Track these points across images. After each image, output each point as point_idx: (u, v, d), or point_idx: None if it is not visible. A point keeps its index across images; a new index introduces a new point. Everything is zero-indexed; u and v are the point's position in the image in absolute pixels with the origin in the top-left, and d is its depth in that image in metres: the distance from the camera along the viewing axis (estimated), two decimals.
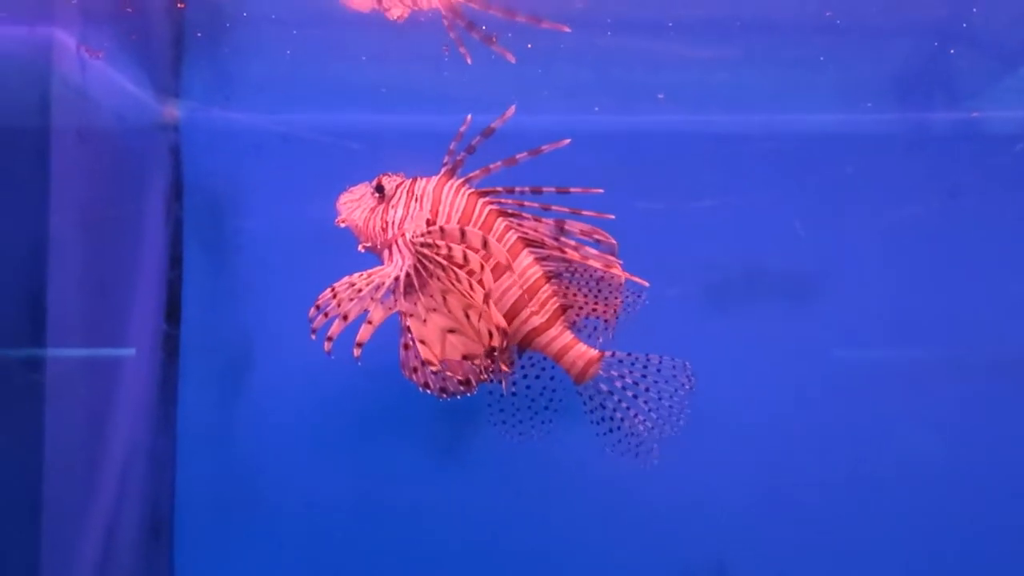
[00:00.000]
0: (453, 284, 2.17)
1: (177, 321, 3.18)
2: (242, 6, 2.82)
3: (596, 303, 2.32)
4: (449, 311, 2.20)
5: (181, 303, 3.18)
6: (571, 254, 2.26)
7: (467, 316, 2.18)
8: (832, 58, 2.98)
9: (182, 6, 2.90)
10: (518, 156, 2.19)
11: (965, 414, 3.09)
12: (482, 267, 2.14)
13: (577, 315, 2.34)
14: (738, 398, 3.05)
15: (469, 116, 2.22)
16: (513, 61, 2.36)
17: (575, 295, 2.32)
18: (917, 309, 3.12)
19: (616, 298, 2.32)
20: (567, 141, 2.18)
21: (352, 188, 2.36)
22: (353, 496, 3.13)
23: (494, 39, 2.36)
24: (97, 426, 2.92)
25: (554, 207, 2.26)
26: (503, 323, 2.19)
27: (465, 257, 2.15)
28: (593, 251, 2.27)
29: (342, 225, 2.35)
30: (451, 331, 2.21)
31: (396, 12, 2.45)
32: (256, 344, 3.15)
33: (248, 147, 3.15)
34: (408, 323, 2.24)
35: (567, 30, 2.35)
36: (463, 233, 2.17)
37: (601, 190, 2.22)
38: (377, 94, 3.08)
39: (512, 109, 2.16)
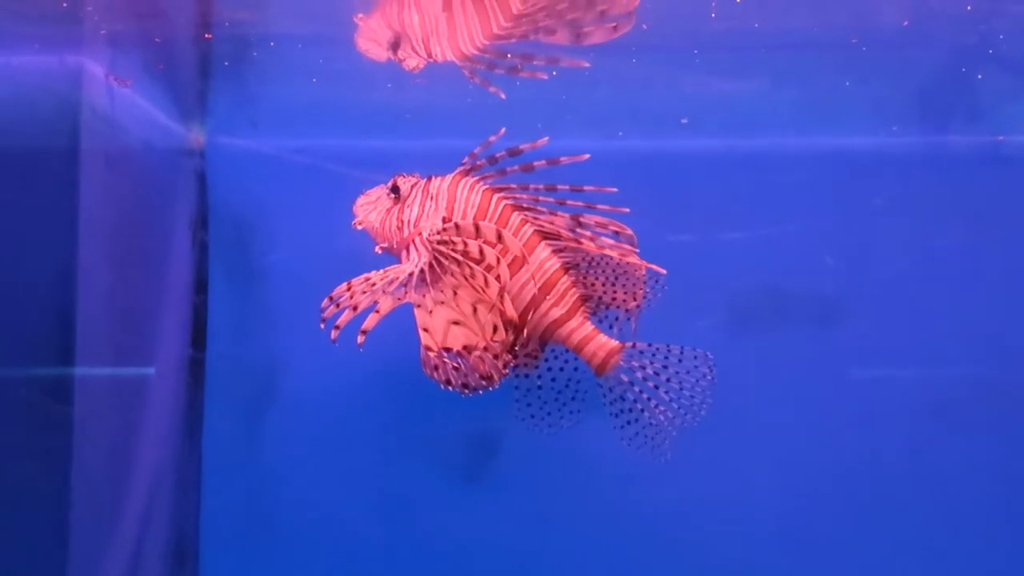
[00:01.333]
0: (467, 279, 2.18)
1: (202, 346, 3.20)
2: (268, 35, 2.85)
3: (616, 293, 2.30)
4: (457, 305, 2.20)
5: (206, 328, 3.20)
6: (587, 244, 2.25)
7: (474, 310, 2.19)
8: (858, 83, 2.97)
9: (209, 36, 2.93)
10: (535, 163, 2.19)
11: (986, 436, 3.08)
12: (499, 260, 2.15)
13: (598, 306, 2.33)
14: (767, 422, 3.05)
15: (503, 129, 2.22)
16: (545, 77, 2.36)
17: (595, 286, 2.31)
18: (943, 332, 3.11)
19: (638, 288, 2.30)
20: (586, 156, 2.18)
21: (368, 191, 2.37)
22: (378, 521, 3.13)
23: (520, 66, 2.36)
24: (123, 450, 2.93)
25: (569, 202, 2.24)
26: (514, 315, 2.18)
27: (481, 252, 2.16)
28: (609, 241, 2.25)
29: (359, 227, 2.36)
30: (455, 323, 2.21)
31: (412, 63, 2.46)
32: (281, 369, 3.16)
33: (273, 173, 3.18)
34: (414, 312, 2.24)
35: (586, 65, 2.34)
36: (478, 228, 2.18)
37: (615, 188, 2.22)
38: (401, 120, 3.11)
39: (544, 140, 2.16)
